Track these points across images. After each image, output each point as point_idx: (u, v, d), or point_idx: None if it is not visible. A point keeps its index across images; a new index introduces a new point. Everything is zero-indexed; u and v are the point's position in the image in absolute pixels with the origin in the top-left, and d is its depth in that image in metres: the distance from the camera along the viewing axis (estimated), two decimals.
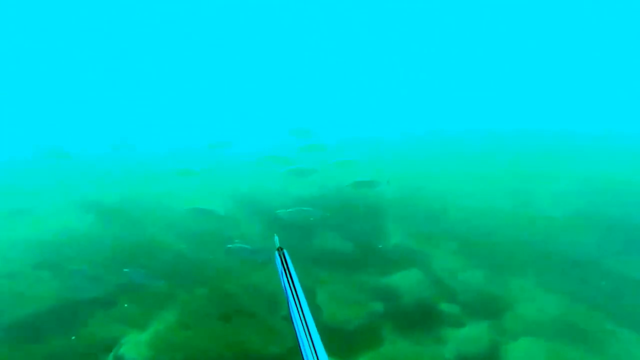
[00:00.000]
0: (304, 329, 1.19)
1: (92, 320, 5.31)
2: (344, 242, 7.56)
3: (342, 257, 7.18)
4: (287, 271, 1.52)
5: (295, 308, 1.30)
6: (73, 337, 4.90)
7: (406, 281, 6.44)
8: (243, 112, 23.10)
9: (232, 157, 12.91)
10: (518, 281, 6.29)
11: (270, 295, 6.00)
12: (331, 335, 5.18)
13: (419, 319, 5.54)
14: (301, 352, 1.14)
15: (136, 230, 7.33)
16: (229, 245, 6.35)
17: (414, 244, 7.51)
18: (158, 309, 5.54)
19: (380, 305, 5.92)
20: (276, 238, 1.69)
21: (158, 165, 11.96)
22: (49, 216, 7.61)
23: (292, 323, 1.23)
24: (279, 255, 1.60)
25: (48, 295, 5.59)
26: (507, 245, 7.35)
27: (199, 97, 27.53)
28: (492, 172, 11.81)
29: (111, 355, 4.71)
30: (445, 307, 5.70)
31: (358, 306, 5.92)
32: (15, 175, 11.53)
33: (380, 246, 7.52)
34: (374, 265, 6.94)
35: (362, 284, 6.51)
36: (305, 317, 1.24)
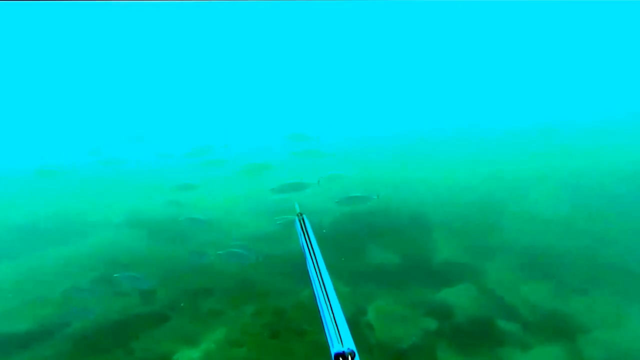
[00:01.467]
0: (321, 288, 1.25)
1: (145, 335, 5.46)
2: (392, 256, 7.35)
3: (391, 271, 6.98)
4: (305, 233, 1.60)
5: (313, 267, 1.36)
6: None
7: (459, 297, 6.14)
8: (242, 117, 23.39)
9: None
10: (590, 299, 5.80)
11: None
12: (384, 354, 5.00)
13: (477, 338, 5.24)
14: (319, 309, 1.18)
15: (185, 246, 7.56)
16: (219, 252, 6.35)
17: (465, 257, 7.17)
18: (209, 325, 5.61)
19: (433, 323, 5.67)
20: (296, 205, 1.78)
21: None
22: (103, 231, 7.94)
23: (310, 281, 1.28)
24: (299, 220, 1.69)
25: (106, 308, 5.83)
26: (571, 258, 6.84)
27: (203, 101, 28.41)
28: (548, 174, 11.14)
29: None
30: (505, 325, 5.35)
31: (410, 323, 5.71)
32: (68, 187, 11.68)
33: None
34: (424, 280, 6.69)
35: (413, 300, 6.29)
36: (322, 276, 1.29)
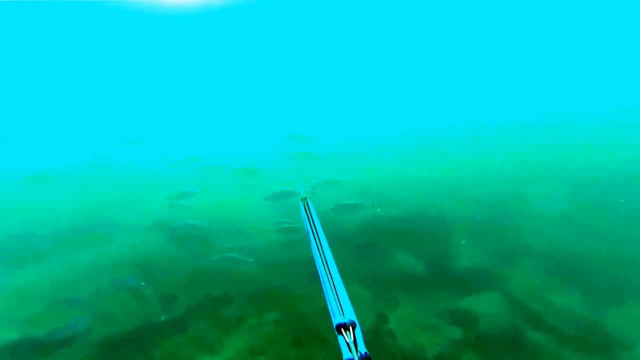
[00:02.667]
0: (324, 266, 1.30)
1: (165, 342, 5.43)
2: (414, 261, 7.19)
3: (413, 277, 6.83)
4: (310, 217, 1.66)
5: (316, 247, 1.43)
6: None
7: (485, 305, 5.97)
8: (243, 117, 23.33)
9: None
10: (627, 310, 5.53)
11: None
12: None
13: (506, 349, 5.06)
14: (321, 285, 1.24)
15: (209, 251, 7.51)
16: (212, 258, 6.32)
17: (489, 262, 6.97)
18: (229, 332, 5.55)
19: (458, 332, 5.52)
20: (300, 190, 2.22)
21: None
22: (125, 235, 7.95)
23: (314, 261, 1.33)
24: (303, 204, 1.76)
25: (127, 314, 5.82)
26: (601, 263, 6.58)
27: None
28: (559, 170, 10.84)
29: None
30: (535, 336, 5.16)
31: (434, 332, 5.57)
32: (88, 191, 11.64)
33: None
34: (447, 286, 6.53)
35: (437, 307, 6.13)
36: (325, 255, 1.35)
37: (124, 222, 8.23)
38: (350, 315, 1.17)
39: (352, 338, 1.09)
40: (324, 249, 1.48)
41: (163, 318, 5.61)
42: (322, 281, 1.33)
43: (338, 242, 7.77)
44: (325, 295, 1.27)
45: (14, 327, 5.57)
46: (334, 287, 1.28)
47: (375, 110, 25.63)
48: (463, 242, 7.70)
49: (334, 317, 1.17)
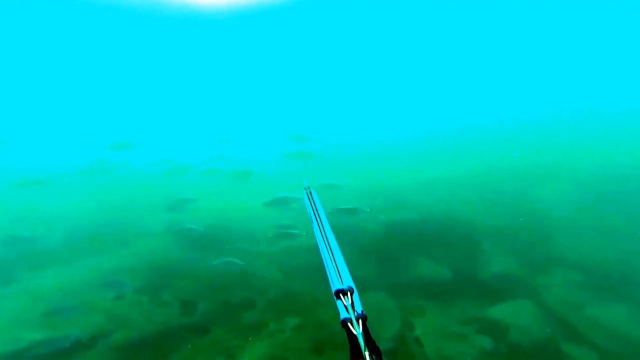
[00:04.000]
0: (324, 241, 1.34)
1: (185, 347, 5.32)
2: (439, 268, 6.95)
3: (439, 283, 6.59)
4: (313, 204, 1.69)
5: (318, 227, 1.46)
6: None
7: (515, 314, 5.70)
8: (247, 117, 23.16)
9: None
10: None
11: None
12: None
13: None
14: (321, 257, 1.27)
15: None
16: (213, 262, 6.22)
17: (519, 270, 6.68)
18: (249, 338, 5.42)
19: (487, 341, 5.27)
20: (305, 181, 1.90)
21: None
22: (144, 239, 7.90)
23: (318, 247, 1.35)
24: (306, 193, 1.81)
25: (147, 319, 5.74)
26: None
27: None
28: (580, 171, 10.43)
29: None
30: (574, 351, 4.87)
31: (463, 341, 5.33)
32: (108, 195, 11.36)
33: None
34: (475, 294, 6.27)
35: (464, 316, 5.89)
36: (326, 232, 1.39)
37: (139, 227, 8.17)
38: (348, 282, 1.23)
39: (350, 301, 1.13)
40: (324, 227, 1.52)
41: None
42: (322, 254, 1.38)
43: (359, 247, 7.58)
44: (325, 266, 1.31)
45: (36, 329, 5.56)
46: (334, 258, 1.33)
47: (389, 113, 25.40)
48: (487, 246, 7.43)
49: (333, 284, 1.23)
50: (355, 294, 1.21)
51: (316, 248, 1.42)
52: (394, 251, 7.50)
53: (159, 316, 5.69)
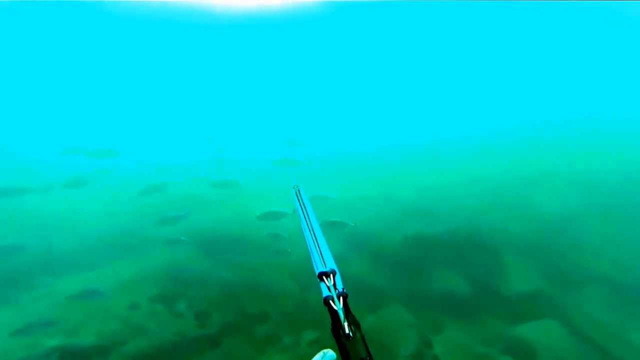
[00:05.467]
0: (312, 239, 1.42)
1: (198, 359, 5.27)
2: (459, 282, 6.69)
3: (459, 298, 6.34)
4: (300, 200, 1.76)
5: (304, 219, 1.55)
6: None
7: (542, 334, 5.41)
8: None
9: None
10: None
11: (383, 342, 5.47)
12: None
13: None
14: (306, 243, 1.40)
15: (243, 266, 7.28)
16: None
17: (545, 286, 6.36)
18: (264, 352, 5.32)
19: None
20: (293, 179, 2.00)
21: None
22: (161, 246, 7.85)
23: (305, 239, 1.45)
24: (295, 191, 1.87)
25: (161, 328, 5.70)
26: None
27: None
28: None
29: None
30: None
31: None
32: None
33: None
34: (497, 310, 6.00)
35: (487, 334, 5.64)
36: (312, 223, 1.49)
37: (156, 234, 8.14)
38: (331, 265, 1.29)
39: (333, 282, 1.21)
40: (309, 216, 1.63)
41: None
42: (306, 240, 1.46)
43: (378, 258, 7.39)
44: (310, 251, 1.39)
45: (56, 335, 5.60)
46: (317, 244, 1.41)
47: (404, 118, 25.03)
48: (509, 260, 7.12)
49: (317, 267, 1.29)
50: (338, 276, 1.28)
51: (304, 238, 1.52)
52: (411, 263, 7.29)
53: (174, 326, 5.65)
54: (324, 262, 1.33)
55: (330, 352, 1.24)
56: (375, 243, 7.94)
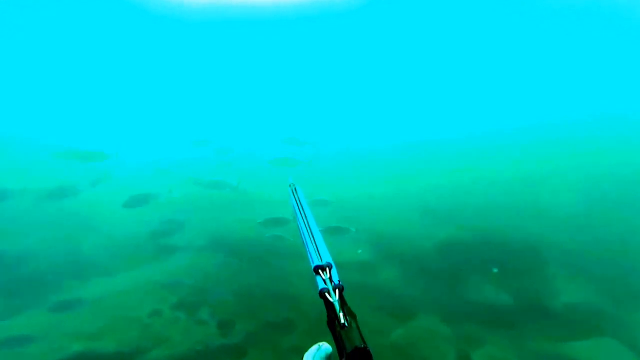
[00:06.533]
0: (308, 233, 1.47)
1: None
2: (499, 293, 6.16)
3: (501, 311, 5.83)
4: (297, 199, 1.77)
5: (300, 216, 1.61)
6: None
7: (599, 355, 4.83)
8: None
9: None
10: None
11: (416, 356, 5.06)
12: None
13: None
14: (302, 240, 1.46)
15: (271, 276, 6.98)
16: None
17: (599, 301, 5.74)
18: None
19: None
20: (290, 178, 1.96)
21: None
22: (184, 253, 7.69)
23: (300, 235, 1.50)
24: (291, 190, 1.86)
25: (183, 337, 5.49)
26: None
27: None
28: None
29: None
30: None
31: None
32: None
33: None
34: (544, 326, 5.46)
35: (531, 350, 5.12)
36: (310, 224, 1.53)
37: (181, 240, 7.98)
38: (327, 259, 1.31)
39: (329, 276, 1.23)
40: (305, 211, 1.65)
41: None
42: (302, 235, 1.50)
43: (413, 267, 6.93)
44: (305, 246, 1.42)
45: (80, 341, 5.51)
46: (314, 238, 1.44)
47: (419, 114, 24.25)
48: (556, 271, 6.50)
49: (313, 262, 1.30)
50: (334, 269, 1.29)
51: (301, 235, 1.51)
52: (444, 271, 6.79)
53: (197, 335, 5.43)
54: (320, 257, 1.33)
55: (325, 345, 1.17)
56: (404, 249, 7.49)
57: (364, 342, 1.02)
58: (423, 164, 13.91)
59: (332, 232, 7.24)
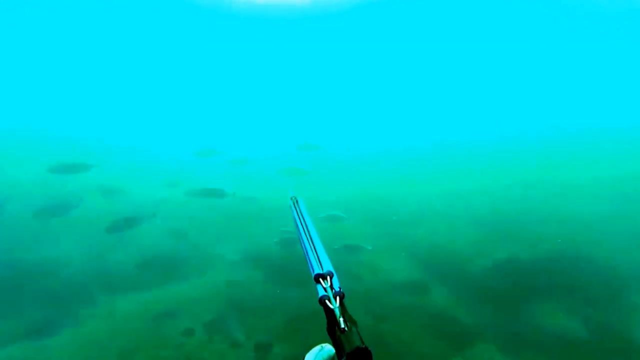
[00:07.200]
0: (308, 242, 1.47)
1: None
2: (569, 321, 5.43)
3: (569, 342, 5.11)
4: (298, 210, 1.76)
5: (302, 227, 1.61)
6: None
7: None
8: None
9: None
10: None
11: None
12: None
13: None
14: (303, 250, 1.46)
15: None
16: None
17: None
18: None
19: None
20: (291, 192, 1.95)
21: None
22: (220, 268, 7.31)
23: (299, 240, 1.52)
24: (293, 202, 1.85)
25: None
26: None
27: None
28: None
29: None
30: None
31: None
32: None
33: None
34: None
35: None
36: (311, 233, 1.53)
37: (219, 254, 7.64)
38: (328, 267, 1.31)
39: (329, 284, 1.24)
40: (305, 220, 1.65)
41: None
42: (302, 244, 1.48)
43: (467, 287, 6.28)
44: (305, 254, 1.41)
45: (111, 357, 5.18)
46: (314, 247, 1.43)
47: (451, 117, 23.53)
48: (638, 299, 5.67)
49: (313, 270, 1.32)
50: (335, 278, 1.26)
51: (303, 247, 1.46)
52: (504, 294, 6.11)
53: (231, 357, 4.99)
54: (321, 265, 1.33)
55: (328, 347, 1.15)
56: (457, 267, 6.86)
57: (364, 343, 1.02)
58: (468, 165, 13.13)
59: (348, 250, 7.00)
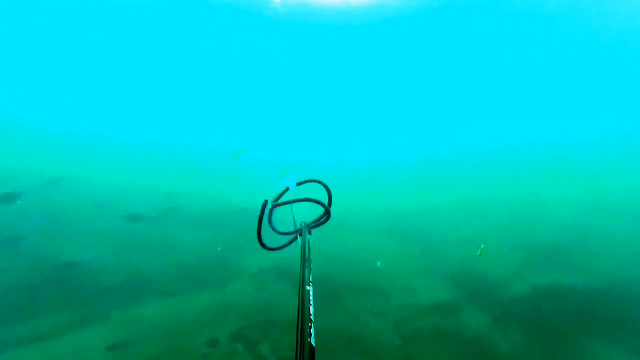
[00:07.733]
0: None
1: None
2: (626, 357, 4.86)
3: None
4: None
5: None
6: None
7: None
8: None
9: None
10: None
11: None
12: None
13: None
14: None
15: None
16: None
17: None
18: None
19: None
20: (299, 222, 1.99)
21: None
22: (248, 278, 7.14)
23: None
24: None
25: None
26: None
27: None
28: None
29: None
30: None
31: None
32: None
33: None
34: None
35: None
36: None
37: (243, 266, 7.49)
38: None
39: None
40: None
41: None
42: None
43: (504, 313, 5.79)
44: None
45: None
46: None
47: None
48: None
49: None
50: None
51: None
52: (547, 325, 5.57)
53: None
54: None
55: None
56: (493, 291, 6.38)
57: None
58: (500, 179, 12.34)
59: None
